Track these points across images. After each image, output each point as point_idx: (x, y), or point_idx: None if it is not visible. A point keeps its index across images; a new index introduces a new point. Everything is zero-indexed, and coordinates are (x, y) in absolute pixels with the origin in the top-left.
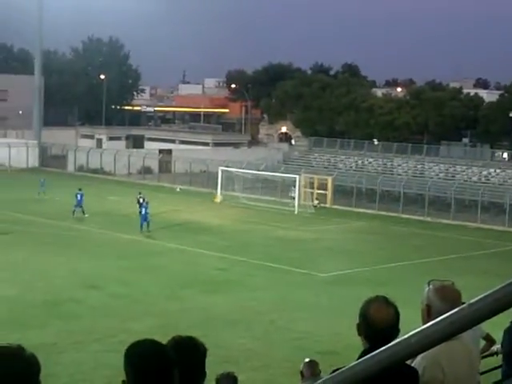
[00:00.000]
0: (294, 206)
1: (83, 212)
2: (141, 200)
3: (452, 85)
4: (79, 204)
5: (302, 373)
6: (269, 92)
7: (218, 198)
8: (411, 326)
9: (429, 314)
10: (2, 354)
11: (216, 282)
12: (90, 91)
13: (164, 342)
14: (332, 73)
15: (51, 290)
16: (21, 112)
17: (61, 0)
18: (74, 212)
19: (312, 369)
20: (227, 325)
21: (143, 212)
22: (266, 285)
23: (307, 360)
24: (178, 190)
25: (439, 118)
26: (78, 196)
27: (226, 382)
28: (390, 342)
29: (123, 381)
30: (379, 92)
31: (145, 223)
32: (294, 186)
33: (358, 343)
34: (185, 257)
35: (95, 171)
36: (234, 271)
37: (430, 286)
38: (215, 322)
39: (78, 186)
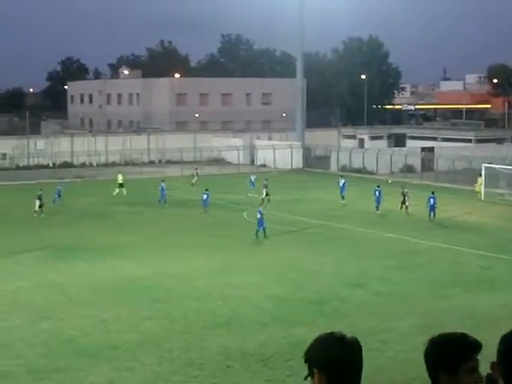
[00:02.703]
0: None
1: (377, 208)
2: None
3: None
4: (377, 200)
5: None
6: None
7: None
8: None
9: None
10: (326, 339)
11: (480, 281)
12: (351, 91)
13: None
14: None
15: (317, 288)
16: (284, 114)
17: (320, 2)
18: (377, 208)
19: None
20: (492, 324)
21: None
22: None
23: None
24: (390, 182)
25: None
26: (377, 193)
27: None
28: None
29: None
30: None
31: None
32: None
33: None
34: (448, 255)
35: (358, 171)
36: (499, 270)
37: None
38: (480, 322)
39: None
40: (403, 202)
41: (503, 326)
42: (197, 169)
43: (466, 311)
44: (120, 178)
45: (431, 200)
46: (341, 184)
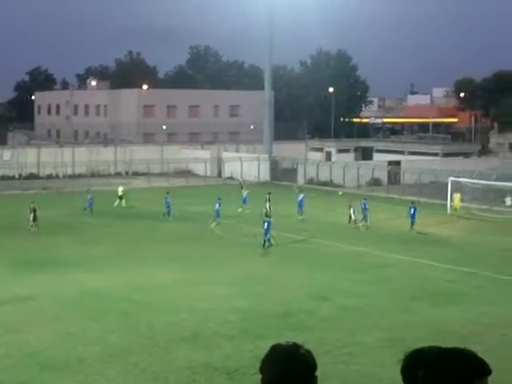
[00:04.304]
0: None
1: (361, 221)
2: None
3: None
4: (364, 213)
5: None
6: (498, 100)
7: (457, 206)
8: None
9: None
10: (277, 352)
11: (446, 295)
12: (319, 104)
13: (393, 355)
14: None
15: (284, 301)
16: (252, 127)
17: (289, 16)
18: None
19: None
20: (457, 338)
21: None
22: (498, 298)
23: None
24: (340, 193)
25: None
26: (363, 205)
27: None
28: None
29: None
30: None
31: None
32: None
33: None
34: (415, 269)
35: (325, 184)
36: (465, 283)
37: None
38: (445, 336)
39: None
40: (350, 216)
41: (468, 341)
42: (244, 181)
43: (432, 325)
44: (120, 190)
45: (411, 210)
46: (299, 198)
